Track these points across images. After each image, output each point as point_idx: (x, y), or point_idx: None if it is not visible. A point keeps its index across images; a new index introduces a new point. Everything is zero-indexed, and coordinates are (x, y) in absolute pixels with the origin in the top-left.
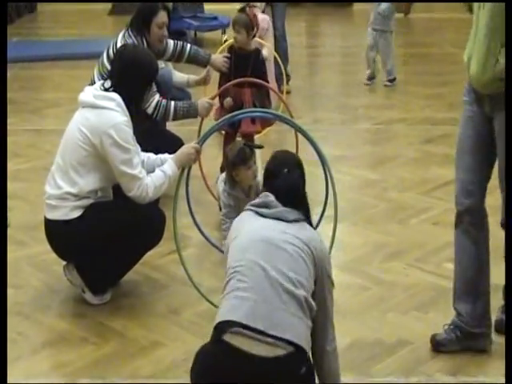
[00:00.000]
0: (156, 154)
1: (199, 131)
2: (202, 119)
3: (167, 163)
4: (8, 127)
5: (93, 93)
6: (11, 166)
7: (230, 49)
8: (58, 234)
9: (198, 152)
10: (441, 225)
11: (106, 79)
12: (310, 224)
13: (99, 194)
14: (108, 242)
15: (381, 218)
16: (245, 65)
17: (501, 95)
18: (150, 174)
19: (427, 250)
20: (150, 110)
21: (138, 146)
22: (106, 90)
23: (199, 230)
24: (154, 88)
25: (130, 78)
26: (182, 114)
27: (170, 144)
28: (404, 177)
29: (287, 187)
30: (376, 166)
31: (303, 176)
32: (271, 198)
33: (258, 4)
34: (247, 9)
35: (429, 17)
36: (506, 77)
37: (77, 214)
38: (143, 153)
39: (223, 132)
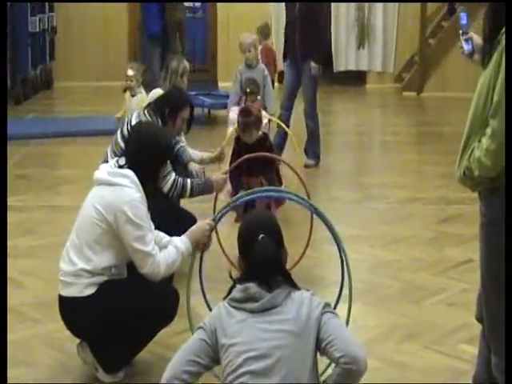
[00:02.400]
0: (171, 231)
1: (214, 208)
2: (216, 196)
3: (180, 239)
4: (22, 203)
5: (107, 170)
6: (25, 242)
7: (237, 140)
8: (71, 311)
9: (211, 230)
10: (456, 305)
11: (120, 156)
12: (292, 283)
13: (113, 271)
14: (121, 320)
15: (395, 299)
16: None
17: (487, 193)
18: (163, 250)
19: (443, 332)
20: (166, 189)
21: (152, 223)
22: (121, 167)
23: (209, 309)
24: (170, 167)
25: (146, 156)
26: (198, 191)
27: (185, 222)
28: (418, 257)
29: (265, 257)
30: (390, 245)
31: (281, 239)
32: (253, 288)
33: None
34: (249, 105)
35: (442, 95)
36: (505, 77)
37: (91, 291)
38: (156, 231)
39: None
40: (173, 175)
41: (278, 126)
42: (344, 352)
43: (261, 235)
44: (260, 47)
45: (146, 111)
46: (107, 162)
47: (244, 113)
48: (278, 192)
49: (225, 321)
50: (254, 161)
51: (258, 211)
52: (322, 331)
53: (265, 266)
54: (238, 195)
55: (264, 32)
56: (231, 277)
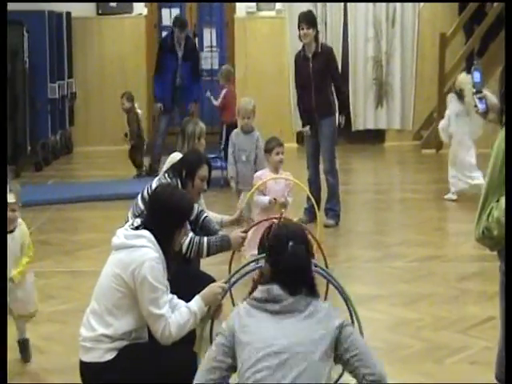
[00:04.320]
0: (188, 294)
1: (229, 268)
2: (233, 255)
3: (194, 300)
4: (42, 269)
5: (124, 234)
6: (46, 307)
7: None
8: (92, 376)
9: (224, 291)
10: (478, 364)
11: (136, 217)
12: (315, 292)
13: (133, 335)
14: None
15: (417, 358)
16: None
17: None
18: (175, 312)
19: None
20: (183, 249)
21: (168, 284)
22: (136, 228)
23: None
24: (188, 227)
25: (162, 216)
26: (215, 249)
27: (203, 285)
28: (439, 315)
29: (296, 263)
30: (411, 304)
31: (310, 248)
32: (276, 290)
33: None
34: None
35: None
36: (505, 77)
37: (111, 356)
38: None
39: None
40: (190, 235)
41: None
42: (373, 370)
43: (291, 243)
44: (224, 91)
45: (166, 175)
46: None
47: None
48: None
49: (244, 319)
50: None
51: (287, 222)
52: (344, 342)
53: (294, 271)
54: (254, 266)
55: (228, 76)
56: (254, 280)
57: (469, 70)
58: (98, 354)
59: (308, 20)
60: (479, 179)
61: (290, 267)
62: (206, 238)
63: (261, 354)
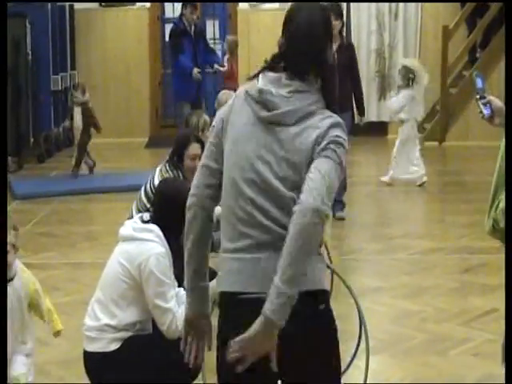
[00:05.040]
0: None
1: None
2: None
3: None
4: (46, 261)
5: (132, 226)
6: (50, 299)
7: None
8: (96, 366)
9: None
10: (481, 356)
11: (145, 211)
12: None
13: (138, 327)
14: (146, 376)
15: (420, 350)
16: None
17: None
18: (181, 306)
19: (468, 383)
20: None
21: (175, 279)
22: (145, 222)
23: None
24: None
25: (168, 211)
26: (219, 245)
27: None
28: (442, 307)
29: (306, 26)
30: (414, 296)
31: (329, 27)
32: (268, 94)
33: None
34: None
35: (463, 145)
36: (505, 78)
37: (115, 346)
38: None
39: None
40: None
41: None
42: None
43: (306, 11)
44: (227, 57)
45: (166, 166)
46: (132, 218)
47: None
48: None
49: (234, 114)
50: None
51: None
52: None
53: (303, 37)
54: None
55: (233, 46)
56: (265, 61)
57: (471, 64)
58: (102, 344)
59: (336, 12)
60: (418, 173)
61: (302, 29)
62: (212, 233)
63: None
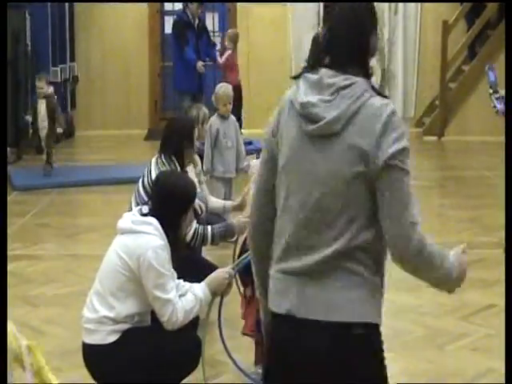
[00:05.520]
0: (191, 281)
1: (233, 254)
2: (236, 244)
3: (199, 286)
4: (45, 252)
5: (131, 219)
6: (48, 291)
7: None
8: (94, 358)
9: (231, 278)
10: (480, 351)
11: (144, 204)
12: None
13: (136, 319)
14: (144, 368)
15: (418, 344)
16: None
17: None
18: (182, 298)
19: (466, 377)
20: (188, 238)
21: (174, 271)
22: (144, 215)
23: (229, 356)
24: (192, 216)
25: (167, 205)
26: (219, 237)
27: (206, 271)
28: (441, 302)
29: (349, 10)
30: (413, 290)
31: (373, 11)
32: (311, 107)
33: None
34: None
35: (463, 140)
36: (505, 79)
37: (114, 338)
38: (178, 280)
39: None
40: (194, 225)
41: None
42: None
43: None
44: (228, 52)
45: (163, 159)
46: (131, 211)
47: None
48: None
49: (282, 127)
50: None
51: None
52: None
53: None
54: None
55: (234, 39)
56: (307, 60)
57: (471, 59)
58: (100, 337)
59: None
60: None
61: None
62: (209, 227)
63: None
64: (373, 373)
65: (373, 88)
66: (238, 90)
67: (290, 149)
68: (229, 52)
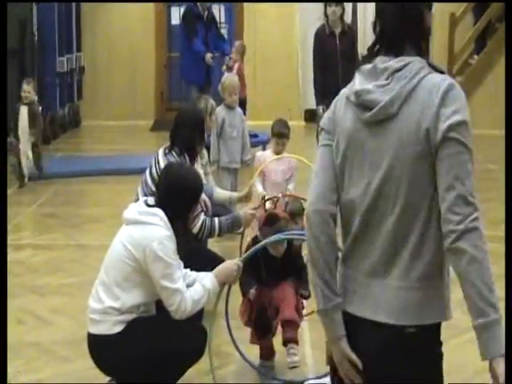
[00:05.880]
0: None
1: (240, 246)
2: (243, 236)
3: (208, 277)
4: (51, 242)
5: (137, 209)
6: (54, 280)
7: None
8: (100, 348)
9: (239, 269)
10: None
11: (152, 195)
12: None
13: (141, 309)
14: (150, 358)
15: None
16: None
17: None
18: (190, 288)
19: (471, 371)
20: (195, 231)
21: (181, 261)
22: (150, 206)
23: (236, 347)
24: (199, 208)
25: (175, 197)
26: (226, 229)
27: (212, 263)
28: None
29: None
30: None
31: None
32: (367, 93)
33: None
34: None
35: None
36: (505, 79)
37: (119, 328)
38: (185, 269)
39: None
40: (201, 217)
41: None
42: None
43: None
44: (237, 65)
45: (173, 152)
46: (138, 201)
47: (270, 221)
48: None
49: (338, 122)
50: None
51: None
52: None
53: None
54: (267, 240)
55: (242, 51)
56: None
57: (478, 52)
58: (106, 327)
59: None
60: None
61: None
62: (216, 220)
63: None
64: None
65: (430, 65)
66: (243, 103)
67: (348, 142)
68: (237, 64)
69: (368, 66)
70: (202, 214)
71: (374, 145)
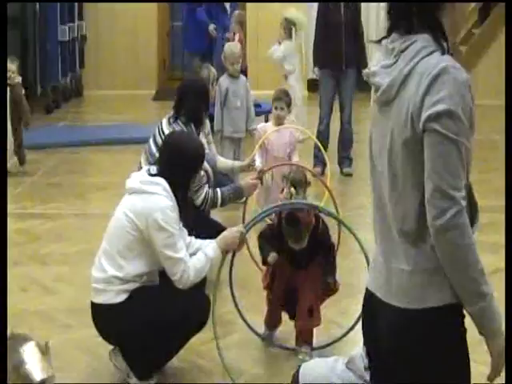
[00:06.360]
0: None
1: (243, 216)
2: (245, 205)
3: (210, 245)
4: (54, 211)
5: (139, 179)
6: (58, 249)
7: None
8: (103, 317)
9: (242, 237)
10: None
11: (152, 164)
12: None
13: (145, 278)
14: (153, 326)
15: None
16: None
17: None
18: (193, 257)
19: (474, 340)
20: (198, 202)
21: (184, 229)
22: (152, 175)
23: (240, 315)
24: (204, 180)
25: (176, 165)
26: (228, 200)
27: (216, 232)
28: None
29: None
30: None
31: None
32: (382, 60)
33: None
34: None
35: None
36: (505, 79)
37: (122, 297)
38: (188, 237)
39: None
40: (205, 189)
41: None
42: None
43: None
44: (237, 36)
45: (179, 121)
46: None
47: (290, 222)
48: (307, 205)
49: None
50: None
51: None
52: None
53: None
54: (269, 208)
55: (241, 21)
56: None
57: (481, 22)
58: (109, 296)
59: None
60: None
61: None
62: (219, 191)
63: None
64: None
65: (440, 44)
66: (244, 73)
67: (372, 122)
68: (237, 35)
69: (384, 43)
70: (206, 185)
71: (381, 126)
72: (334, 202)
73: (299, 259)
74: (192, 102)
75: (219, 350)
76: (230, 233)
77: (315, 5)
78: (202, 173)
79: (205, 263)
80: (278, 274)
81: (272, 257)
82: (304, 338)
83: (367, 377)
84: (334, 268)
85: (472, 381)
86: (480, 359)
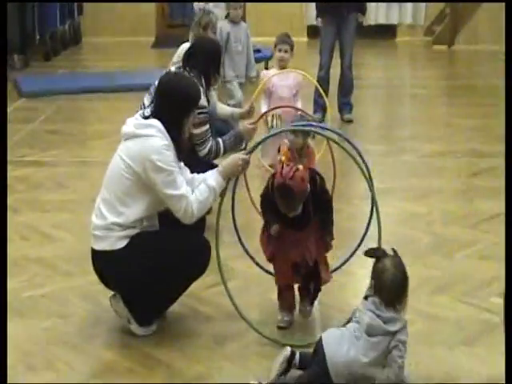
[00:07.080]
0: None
1: (246, 185)
2: (246, 145)
3: (212, 175)
4: (54, 158)
5: (133, 123)
6: (57, 197)
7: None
8: (104, 264)
9: (246, 163)
10: (487, 258)
11: (147, 107)
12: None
13: (145, 223)
14: (154, 272)
15: (426, 252)
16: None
17: None
18: (195, 190)
19: (474, 284)
20: (202, 155)
21: (186, 167)
22: (146, 118)
23: (250, 256)
24: (208, 134)
25: (168, 104)
26: (230, 148)
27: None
28: (449, 210)
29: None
30: (421, 198)
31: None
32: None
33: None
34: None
35: (472, 49)
36: (505, 79)
37: (122, 244)
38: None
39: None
40: (209, 143)
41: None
42: None
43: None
44: None
45: (187, 70)
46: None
47: (282, 193)
48: (313, 126)
49: None
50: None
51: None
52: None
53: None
54: (272, 133)
55: None
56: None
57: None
58: (109, 243)
59: None
60: None
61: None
62: (221, 141)
63: None
64: None
65: None
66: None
67: None
68: None
69: None
70: (210, 139)
71: None
72: (331, 150)
73: (296, 223)
74: (202, 62)
75: (229, 294)
76: (233, 160)
77: None
78: (207, 127)
79: (208, 194)
80: (279, 245)
81: (274, 230)
82: (311, 298)
83: None
84: (332, 225)
85: (472, 380)
86: None
